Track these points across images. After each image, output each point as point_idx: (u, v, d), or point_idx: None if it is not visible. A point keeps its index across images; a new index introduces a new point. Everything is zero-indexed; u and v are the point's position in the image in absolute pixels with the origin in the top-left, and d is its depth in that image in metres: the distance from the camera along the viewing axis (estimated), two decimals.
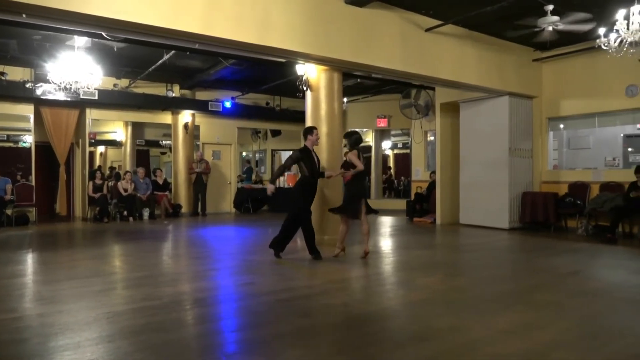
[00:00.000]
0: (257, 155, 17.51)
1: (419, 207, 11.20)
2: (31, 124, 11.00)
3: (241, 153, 16.75)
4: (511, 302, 4.18)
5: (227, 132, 13.47)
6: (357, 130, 6.98)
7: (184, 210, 12.36)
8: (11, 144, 12.13)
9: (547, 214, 8.89)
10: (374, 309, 3.99)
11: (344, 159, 6.39)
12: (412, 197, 12.02)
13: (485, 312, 3.80)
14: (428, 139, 12.86)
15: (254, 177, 15.55)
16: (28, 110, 10.83)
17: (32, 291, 4.61)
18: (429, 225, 10.22)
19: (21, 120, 11.12)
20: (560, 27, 7.01)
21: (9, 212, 9.94)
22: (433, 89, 10.86)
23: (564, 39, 8.25)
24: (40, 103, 10.85)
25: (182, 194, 12.59)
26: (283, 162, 6.13)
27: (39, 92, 10.07)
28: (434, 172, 10.96)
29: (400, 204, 12.92)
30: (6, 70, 9.92)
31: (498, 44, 8.75)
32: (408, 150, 14.39)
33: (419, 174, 12.84)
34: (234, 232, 9.74)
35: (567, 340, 3.15)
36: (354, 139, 6.02)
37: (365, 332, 3.36)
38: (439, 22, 7.50)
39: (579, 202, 8.71)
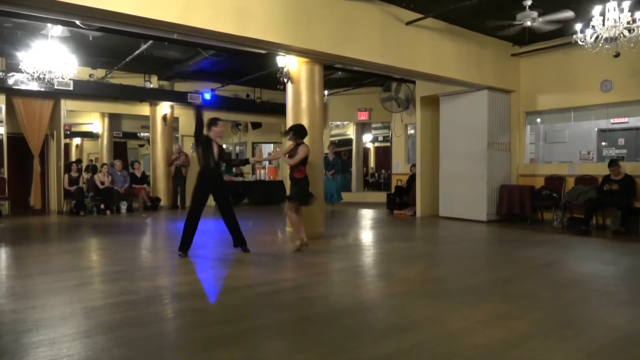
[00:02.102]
0: (237, 147, 17.36)
1: (399, 200, 11.28)
2: (3, 115, 10.68)
3: (221, 146, 16.55)
4: (488, 293, 4.25)
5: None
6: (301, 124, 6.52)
7: (163, 203, 12.21)
8: None
9: (523, 206, 9.06)
10: (353, 301, 4.00)
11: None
12: (393, 190, 12.10)
13: (464, 304, 3.85)
14: (408, 132, 12.94)
15: (234, 169, 15.39)
16: None
17: (5, 286, 4.48)
18: (409, 218, 10.30)
19: None
20: (540, 20, 7.08)
21: None
22: (413, 82, 10.90)
23: (541, 34, 8.36)
24: (12, 93, 10.53)
25: (161, 187, 12.43)
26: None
27: (10, 81, 9.77)
28: (414, 165, 11.05)
29: (381, 196, 13.01)
30: None
31: (477, 39, 8.83)
32: (389, 144, 14.46)
33: (399, 167, 12.93)
34: (213, 225, 9.63)
35: (542, 330, 3.21)
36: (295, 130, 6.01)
37: (345, 325, 3.37)
38: (420, 16, 7.52)
39: (554, 194, 8.89)
